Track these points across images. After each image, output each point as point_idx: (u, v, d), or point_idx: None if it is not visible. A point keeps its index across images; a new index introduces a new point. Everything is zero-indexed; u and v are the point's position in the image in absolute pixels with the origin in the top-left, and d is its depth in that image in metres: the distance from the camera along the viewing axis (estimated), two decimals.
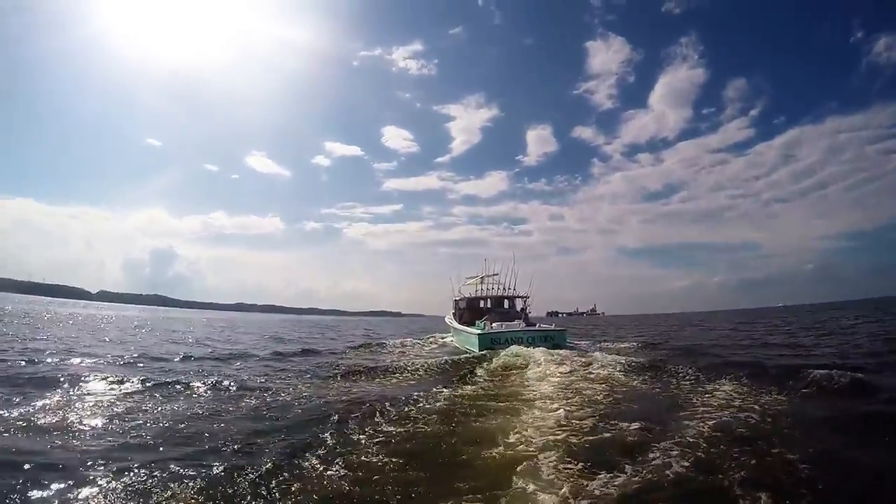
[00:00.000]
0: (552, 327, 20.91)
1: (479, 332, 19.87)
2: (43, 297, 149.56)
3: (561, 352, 15.18)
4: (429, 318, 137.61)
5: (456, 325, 25.21)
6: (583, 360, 13.36)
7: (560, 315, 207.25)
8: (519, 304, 25.79)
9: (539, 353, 14.53)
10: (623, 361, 12.97)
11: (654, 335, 31.98)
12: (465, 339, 21.69)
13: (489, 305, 26.36)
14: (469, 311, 25.96)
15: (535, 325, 21.39)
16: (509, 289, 26.52)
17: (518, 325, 20.75)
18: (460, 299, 27.96)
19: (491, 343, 18.17)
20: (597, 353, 15.33)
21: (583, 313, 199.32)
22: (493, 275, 27.35)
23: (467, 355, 17.01)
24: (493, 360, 14.51)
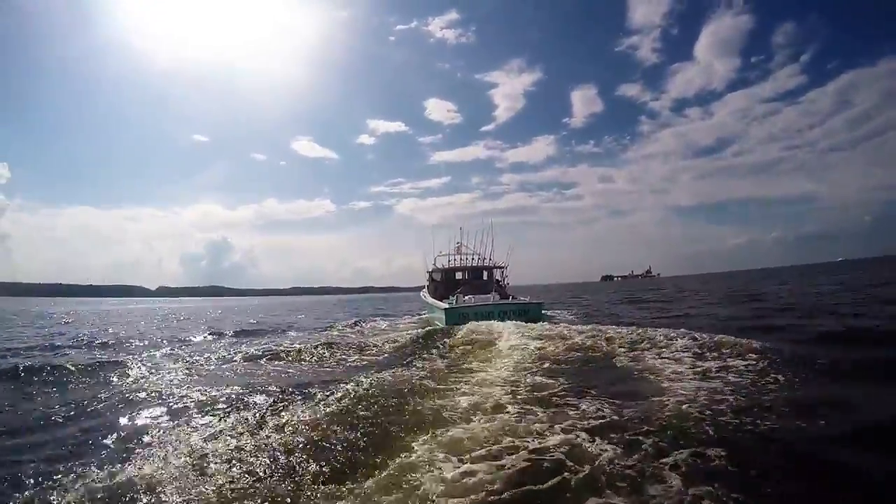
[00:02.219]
0: (527, 300, 19.30)
1: (447, 306, 18.70)
2: (106, 298, 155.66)
3: (534, 325, 13.59)
4: None
5: (428, 298, 23.28)
6: (554, 334, 11.73)
7: (615, 278, 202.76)
8: (497, 277, 24.27)
9: (508, 326, 13.45)
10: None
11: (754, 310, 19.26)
12: (435, 314, 20.44)
13: (465, 277, 24.38)
14: (444, 283, 23.98)
15: (510, 298, 20.30)
16: (487, 259, 24.96)
17: (491, 298, 19.43)
18: (434, 271, 25.74)
19: (459, 318, 16.85)
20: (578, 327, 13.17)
21: (637, 276, 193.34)
22: (475, 254, 25.58)
23: (431, 329, 16.00)
24: (455, 336, 13.41)
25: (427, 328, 17.08)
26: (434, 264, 26.14)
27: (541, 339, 10.89)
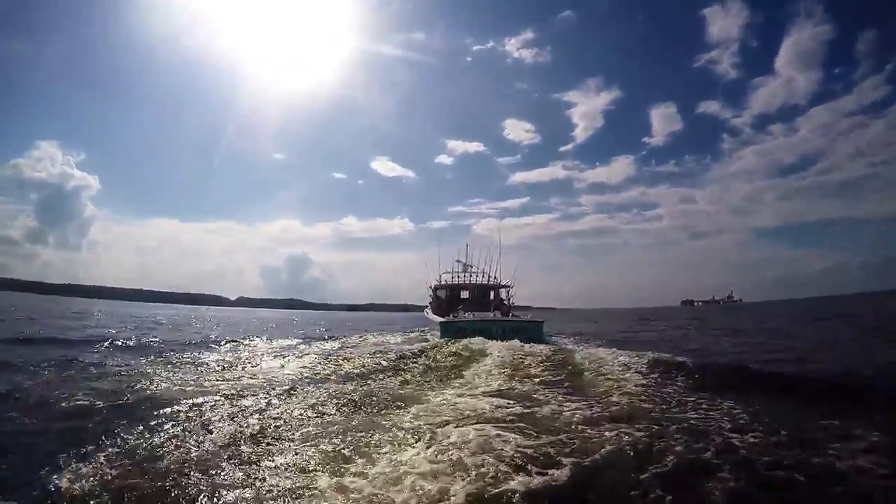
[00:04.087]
0: (527, 319, 19.07)
1: (444, 319, 18.57)
2: (188, 306, 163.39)
3: (530, 347, 13.11)
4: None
5: (429, 315, 22.81)
6: (547, 355, 11.56)
7: (695, 304, 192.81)
8: (503, 296, 23.76)
9: (498, 345, 13.16)
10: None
11: None
12: (433, 328, 20.19)
13: (470, 295, 24.12)
14: (448, 300, 23.55)
15: (510, 317, 19.71)
16: (493, 278, 24.34)
17: (491, 315, 19.31)
18: (438, 287, 25.13)
19: (454, 333, 16.33)
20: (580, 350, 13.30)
21: (719, 301, 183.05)
22: (481, 271, 25.05)
23: (425, 345, 15.32)
24: (442, 350, 13.40)
25: (423, 343, 16.37)
26: (439, 281, 25.48)
27: (510, 363, 10.96)
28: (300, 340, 19.55)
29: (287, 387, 8.52)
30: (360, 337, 22.31)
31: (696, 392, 7.81)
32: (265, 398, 7.57)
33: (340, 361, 12.55)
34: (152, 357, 12.62)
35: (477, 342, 13.76)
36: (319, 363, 12.27)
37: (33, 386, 8.13)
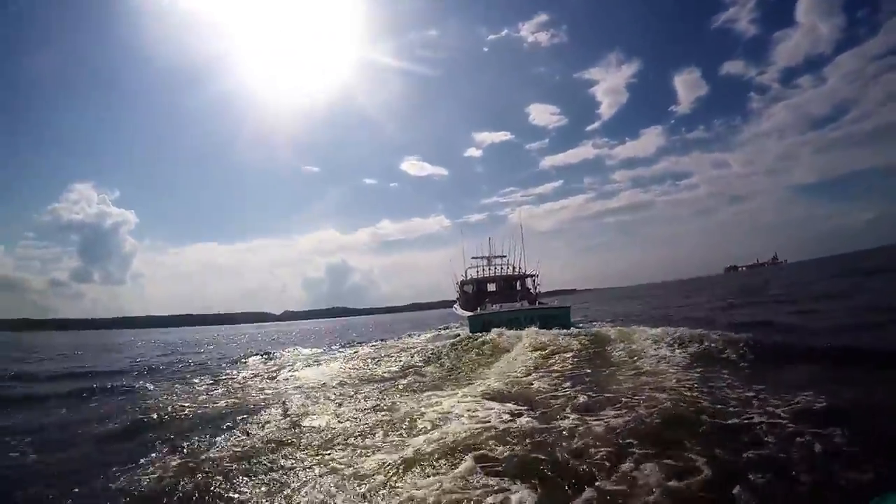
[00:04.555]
0: (554, 305, 19.15)
1: (471, 313, 18.57)
2: (234, 325, 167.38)
3: (560, 332, 12.94)
4: (602, 290, 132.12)
5: (458, 311, 23.19)
6: (578, 341, 11.12)
7: (739, 269, 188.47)
8: (529, 285, 23.74)
9: (529, 333, 12.85)
10: None
11: None
12: (463, 323, 20.29)
13: (496, 288, 24.21)
14: (475, 295, 23.74)
15: (537, 305, 19.71)
16: (518, 269, 24.44)
17: (518, 305, 19.11)
18: (465, 283, 25.20)
19: (483, 326, 16.26)
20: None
21: (763, 264, 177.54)
22: (502, 256, 25.33)
23: (452, 341, 15.44)
24: (471, 343, 13.56)
25: (454, 339, 16.32)
26: (465, 276, 25.70)
27: (547, 347, 10.77)
28: (322, 350, 20.24)
29: (299, 395, 8.84)
30: (390, 340, 22.63)
31: (751, 384, 6.23)
32: (275, 409, 7.68)
33: (357, 369, 12.61)
34: (187, 377, 13.35)
35: (503, 333, 13.80)
36: (338, 371, 12.36)
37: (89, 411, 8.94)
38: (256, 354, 19.55)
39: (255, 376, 12.62)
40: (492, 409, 6.27)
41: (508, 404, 6.44)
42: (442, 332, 23.75)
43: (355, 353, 17.10)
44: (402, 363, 12.37)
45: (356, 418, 6.64)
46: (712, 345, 8.81)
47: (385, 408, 7.03)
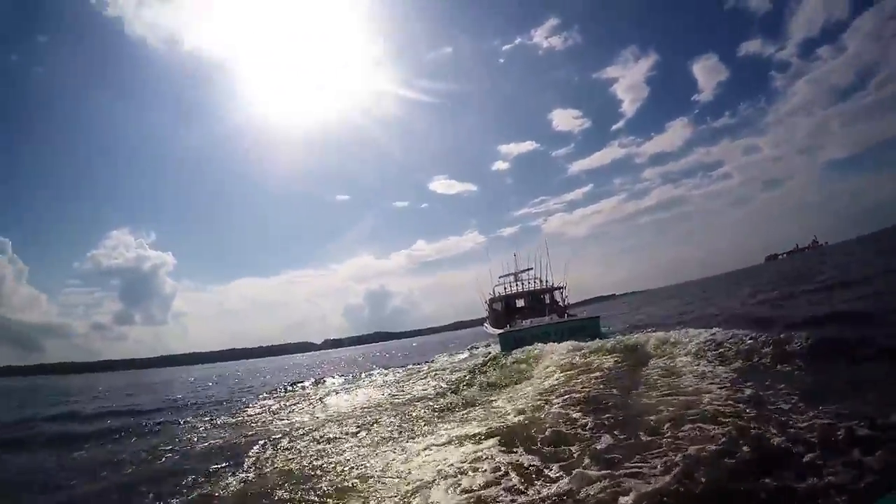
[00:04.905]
0: (583, 316, 19.07)
1: (501, 331, 18.52)
2: (279, 356, 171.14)
3: (589, 344, 12.29)
4: (647, 292, 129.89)
5: (488, 329, 23.09)
6: (607, 356, 10.31)
7: (780, 256, 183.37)
8: (557, 298, 23.54)
9: (559, 347, 12.46)
10: None
11: None
12: (494, 341, 20.14)
13: (525, 304, 24.11)
14: (506, 312, 23.46)
15: (565, 317, 19.56)
16: (545, 281, 24.27)
17: (547, 319, 19.00)
18: (493, 300, 25.22)
19: (514, 343, 16.02)
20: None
21: (803, 249, 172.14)
22: (528, 269, 25.37)
23: (487, 358, 15.66)
24: (500, 362, 13.66)
25: (486, 357, 16.60)
26: (493, 293, 25.58)
27: (576, 363, 10.17)
28: (347, 379, 20.37)
29: (323, 422, 9.32)
30: (422, 363, 22.86)
31: (815, 403, 5.01)
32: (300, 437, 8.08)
33: (386, 395, 12.74)
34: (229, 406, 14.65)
35: (529, 352, 13.67)
36: (367, 398, 12.58)
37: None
38: (272, 389, 19.60)
39: (262, 412, 12.91)
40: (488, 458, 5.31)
41: (513, 452, 5.31)
42: (474, 351, 23.64)
43: (389, 380, 17.26)
44: (412, 395, 11.91)
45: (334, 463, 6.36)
46: (764, 349, 7.70)
47: (368, 452, 6.61)
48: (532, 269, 25.22)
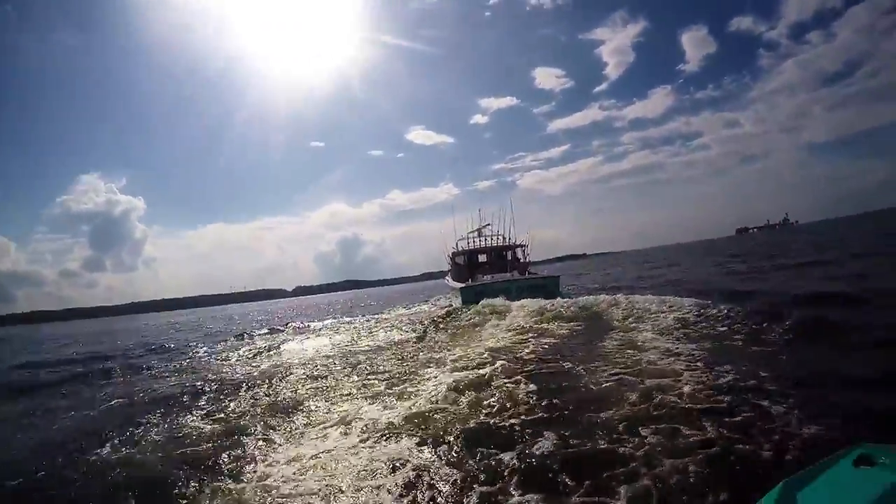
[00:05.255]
0: (544, 275, 19.51)
1: (463, 285, 18.95)
2: (249, 303, 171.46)
3: (550, 302, 13.09)
4: (619, 254, 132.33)
5: (450, 282, 23.82)
6: (562, 310, 11.28)
7: (751, 230, 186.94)
8: (519, 255, 23.93)
9: (516, 306, 13.03)
10: None
11: None
12: (454, 295, 20.59)
13: (487, 259, 24.61)
14: (467, 266, 23.80)
15: (527, 275, 19.98)
16: (509, 239, 24.84)
17: (508, 276, 19.58)
18: (456, 254, 25.59)
19: (475, 297, 16.45)
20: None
21: (774, 225, 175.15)
22: (487, 225, 25.91)
23: (448, 310, 16.50)
24: (460, 315, 13.98)
25: (445, 309, 17.51)
26: (456, 247, 26.06)
27: (531, 327, 10.10)
28: (315, 325, 20.05)
29: (292, 367, 8.84)
30: (386, 312, 23.44)
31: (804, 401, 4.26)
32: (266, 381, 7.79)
33: (351, 340, 12.73)
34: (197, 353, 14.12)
35: (493, 304, 14.06)
36: (336, 342, 12.46)
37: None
38: (242, 334, 19.53)
39: (231, 355, 12.61)
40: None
41: (425, 452, 4.32)
42: (436, 304, 24.50)
43: (348, 325, 17.59)
44: (381, 339, 12.27)
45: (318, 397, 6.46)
46: (737, 325, 7.42)
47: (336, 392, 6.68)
48: (490, 224, 25.73)
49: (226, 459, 4.48)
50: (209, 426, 5.63)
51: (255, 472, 4.17)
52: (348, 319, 20.37)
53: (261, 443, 4.85)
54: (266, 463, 4.33)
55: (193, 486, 4.00)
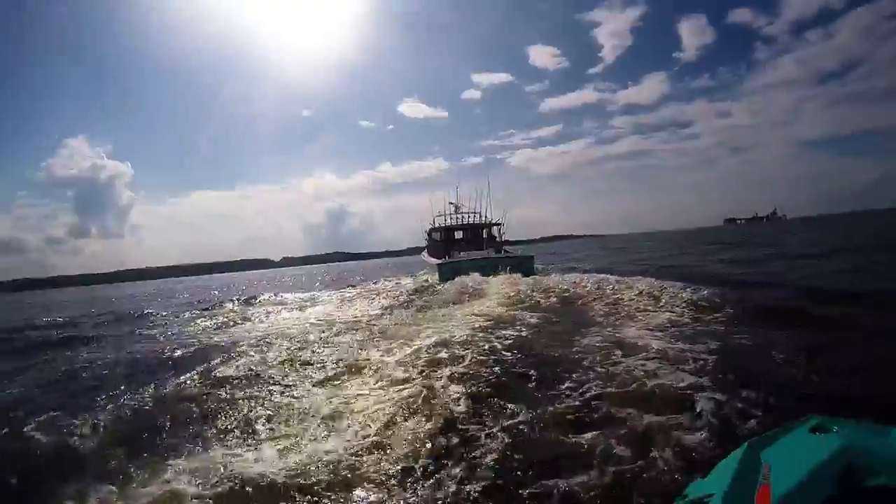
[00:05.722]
0: (518, 253, 20.38)
1: (440, 261, 19.61)
2: (234, 273, 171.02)
3: (525, 279, 13.76)
4: (605, 237, 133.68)
5: (427, 258, 24.40)
6: (537, 286, 11.61)
7: (738, 221, 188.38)
8: (495, 233, 24.73)
9: (495, 280, 13.74)
10: None
11: None
12: (431, 271, 21.01)
13: (464, 236, 25.03)
14: (444, 243, 24.35)
15: (503, 253, 20.43)
16: (485, 217, 25.34)
17: (484, 253, 19.87)
18: (433, 230, 26.34)
19: (451, 273, 16.69)
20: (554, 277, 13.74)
21: (762, 218, 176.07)
22: (463, 207, 26.07)
23: (423, 285, 17.27)
24: (439, 290, 14.49)
25: (420, 283, 18.11)
26: (433, 224, 26.54)
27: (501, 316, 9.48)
28: (301, 296, 20.17)
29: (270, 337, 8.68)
30: (370, 284, 23.59)
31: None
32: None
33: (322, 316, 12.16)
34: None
35: (468, 281, 14.19)
36: (317, 315, 12.16)
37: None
38: (229, 301, 19.76)
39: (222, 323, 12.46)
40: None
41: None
42: (419, 278, 23.63)
43: (331, 298, 17.63)
44: (364, 311, 12.22)
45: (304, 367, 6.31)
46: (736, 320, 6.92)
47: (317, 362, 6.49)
48: (463, 205, 25.99)
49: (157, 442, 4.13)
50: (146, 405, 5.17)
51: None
52: (327, 294, 20.01)
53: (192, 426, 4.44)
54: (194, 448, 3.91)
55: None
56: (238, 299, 20.08)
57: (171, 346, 8.65)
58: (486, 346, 6.00)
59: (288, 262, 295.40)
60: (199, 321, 13.17)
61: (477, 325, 7.37)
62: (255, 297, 20.22)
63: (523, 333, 6.77)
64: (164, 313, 16.78)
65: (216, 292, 32.49)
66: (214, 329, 11.39)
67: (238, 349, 7.68)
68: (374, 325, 9.41)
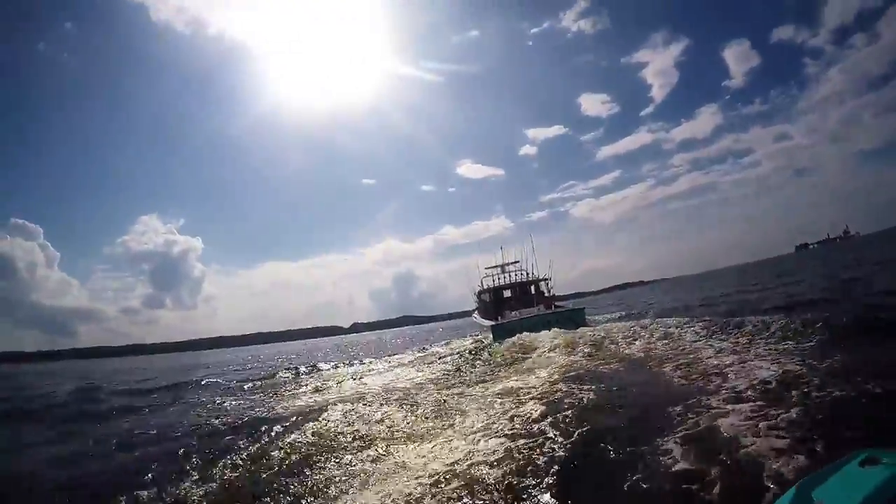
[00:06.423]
0: (569, 307, 20.42)
1: (492, 322, 19.71)
2: (306, 340, 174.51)
3: (576, 332, 13.77)
4: (676, 279, 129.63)
5: (478, 319, 24.51)
6: (593, 341, 11.64)
7: (811, 246, 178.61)
8: (543, 289, 24.72)
9: (547, 337, 13.62)
10: None
11: None
12: (485, 333, 21.21)
13: (512, 294, 25.31)
14: (493, 303, 24.71)
15: (552, 308, 20.37)
16: (531, 274, 25.62)
17: (535, 310, 19.93)
18: (482, 292, 26.67)
19: (506, 333, 16.67)
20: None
21: (834, 239, 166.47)
22: (514, 262, 26.60)
23: (478, 345, 17.40)
24: (491, 353, 14.26)
25: (475, 344, 18.40)
26: (481, 285, 27.04)
27: (569, 347, 11.20)
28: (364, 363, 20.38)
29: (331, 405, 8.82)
30: (429, 348, 23.26)
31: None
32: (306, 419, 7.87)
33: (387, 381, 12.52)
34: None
35: (518, 341, 14.43)
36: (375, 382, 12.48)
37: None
38: (288, 370, 19.70)
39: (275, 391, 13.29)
40: None
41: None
42: (477, 338, 24.00)
43: (395, 363, 17.75)
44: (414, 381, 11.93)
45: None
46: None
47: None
48: (518, 261, 26.36)
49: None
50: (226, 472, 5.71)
51: None
52: (382, 363, 19.01)
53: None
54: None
55: None
56: (293, 371, 19.42)
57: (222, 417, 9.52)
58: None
59: (358, 328, 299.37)
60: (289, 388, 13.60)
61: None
62: (316, 366, 20.13)
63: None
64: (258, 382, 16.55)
65: (294, 356, 34.06)
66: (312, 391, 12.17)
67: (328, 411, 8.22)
68: (435, 391, 9.49)
